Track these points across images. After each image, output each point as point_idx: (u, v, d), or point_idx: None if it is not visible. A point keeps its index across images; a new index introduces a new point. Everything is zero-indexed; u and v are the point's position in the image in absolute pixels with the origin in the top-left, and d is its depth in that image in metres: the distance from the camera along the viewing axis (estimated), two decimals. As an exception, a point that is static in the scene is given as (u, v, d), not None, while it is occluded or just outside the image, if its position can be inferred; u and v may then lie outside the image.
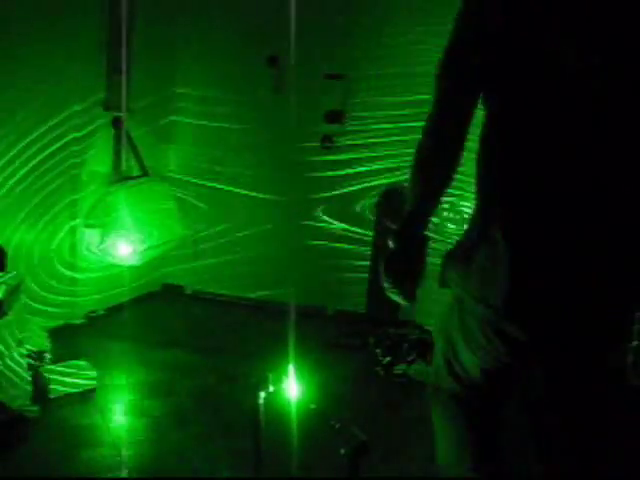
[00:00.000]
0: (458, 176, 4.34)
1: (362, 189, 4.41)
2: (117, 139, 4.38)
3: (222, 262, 4.82)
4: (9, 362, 3.30)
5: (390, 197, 4.29)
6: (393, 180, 4.36)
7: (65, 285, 4.25)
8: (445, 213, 4.21)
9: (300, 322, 3.78)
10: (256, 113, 4.63)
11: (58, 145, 4.02)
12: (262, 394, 2.74)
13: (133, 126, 4.42)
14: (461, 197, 4.14)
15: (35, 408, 3.37)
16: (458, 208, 4.15)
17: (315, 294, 4.59)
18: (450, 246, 4.36)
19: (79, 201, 4.25)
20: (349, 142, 4.48)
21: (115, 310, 4.54)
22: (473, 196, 4.18)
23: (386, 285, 2.00)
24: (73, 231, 4.26)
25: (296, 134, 4.43)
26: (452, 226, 4.18)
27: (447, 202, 4.19)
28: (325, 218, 4.53)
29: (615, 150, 1.81)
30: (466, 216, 4.14)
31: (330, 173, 4.49)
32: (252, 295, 4.83)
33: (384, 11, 4.25)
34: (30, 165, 3.90)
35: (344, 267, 4.53)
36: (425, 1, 4.25)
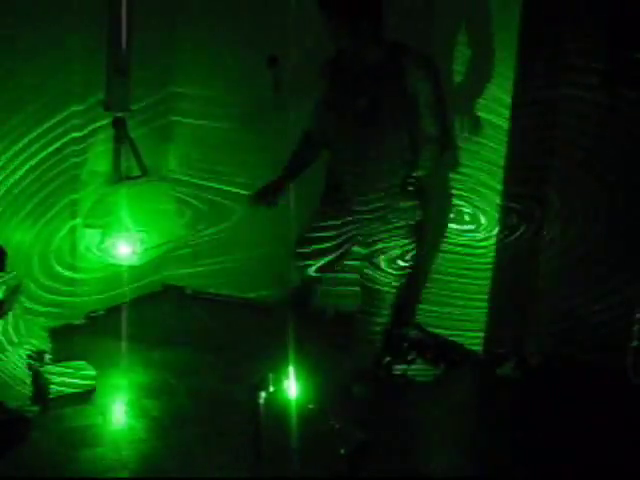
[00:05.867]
0: (458, 176, 4.38)
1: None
2: (117, 139, 4.37)
3: (222, 262, 4.82)
4: (9, 362, 3.30)
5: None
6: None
7: (65, 285, 4.25)
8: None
9: (300, 322, 3.78)
10: (256, 113, 4.63)
11: (58, 145, 4.02)
12: (262, 394, 2.74)
13: (133, 126, 4.42)
14: (461, 197, 4.14)
15: (35, 408, 3.37)
16: (458, 208, 4.15)
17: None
18: (451, 245, 4.38)
19: (79, 201, 4.25)
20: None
21: (115, 310, 4.54)
22: (473, 196, 4.20)
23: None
24: (73, 231, 4.26)
25: (296, 134, 4.43)
26: (453, 225, 4.18)
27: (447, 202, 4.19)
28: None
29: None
30: (467, 216, 4.14)
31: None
32: (252, 295, 4.83)
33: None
34: (30, 165, 3.90)
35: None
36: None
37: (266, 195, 3.73)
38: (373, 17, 3.44)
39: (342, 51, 3.57)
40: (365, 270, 3.66)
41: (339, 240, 3.67)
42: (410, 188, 3.47)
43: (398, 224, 3.54)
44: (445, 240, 4.22)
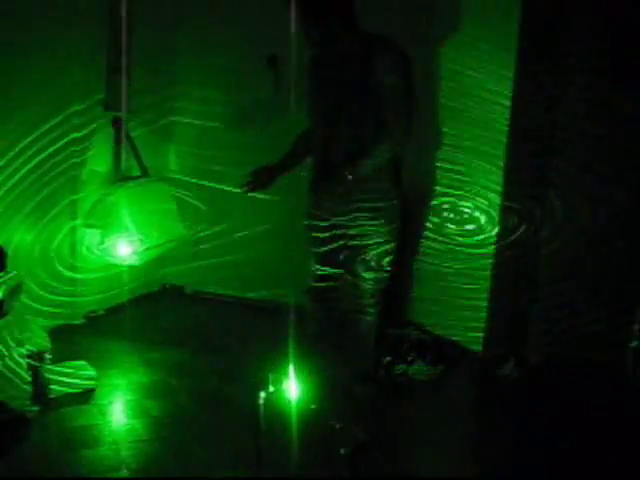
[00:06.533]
0: (458, 176, 4.37)
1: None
2: (117, 139, 4.37)
3: (222, 262, 4.81)
4: (9, 362, 3.30)
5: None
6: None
7: (65, 285, 4.25)
8: (445, 213, 4.21)
9: (300, 322, 3.78)
10: (256, 113, 4.63)
11: (58, 145, 4.02)
12: (262, 394, 2.74)
13: (133, 126, 4.42)
14: (461, 197, 4.14)
15: (35, 408, 3.38)
16: (458, 208, 4.15)
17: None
18: (451, 245, 4.38)
19: (79, 201, 4.25)
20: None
21: (115, 310, 4.54)
22: (473, 196, 4.21)
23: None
24: (73, 231, 4.26)
25: (296, 134, 4.43)
26: (452, 226, 4.18)
27: (447, 202, 4.19)
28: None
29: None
30: (466, 216, 4.14)
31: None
32: (252, 295, 4.83)
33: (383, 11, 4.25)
34: (30, 165, 3.90)
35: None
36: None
37: (258, 177, 3.80)
38: (342, 10, 3.42)
39: (322, 45, 3.54)
40: (347, 268, 3.60)
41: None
42: (347, 175, 3.37)
43: (375, 223, 3.48)
44: (444, 240, 4.23)
